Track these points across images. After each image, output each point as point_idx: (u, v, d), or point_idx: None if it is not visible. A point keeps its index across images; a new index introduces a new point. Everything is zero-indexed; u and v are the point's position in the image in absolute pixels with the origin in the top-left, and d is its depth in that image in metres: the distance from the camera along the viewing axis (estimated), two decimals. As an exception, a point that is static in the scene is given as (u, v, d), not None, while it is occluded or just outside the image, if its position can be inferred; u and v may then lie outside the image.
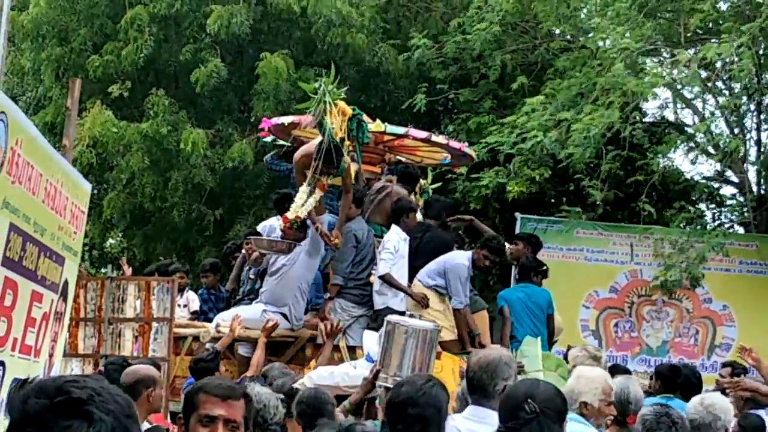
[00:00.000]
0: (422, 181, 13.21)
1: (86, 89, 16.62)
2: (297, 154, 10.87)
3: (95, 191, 14.35)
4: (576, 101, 14.60)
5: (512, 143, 14.72)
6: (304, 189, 10.41)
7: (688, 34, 14.94)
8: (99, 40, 18.86)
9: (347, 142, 11.01)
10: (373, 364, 7.45)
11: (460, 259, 10.81)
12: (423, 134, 12.15)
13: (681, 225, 16.16)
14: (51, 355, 6.40)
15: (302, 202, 10.34)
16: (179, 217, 18.67)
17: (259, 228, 12.34)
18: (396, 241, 10.66)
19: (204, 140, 17.59)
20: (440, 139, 12.44)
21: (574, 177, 15.93)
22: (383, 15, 18.86)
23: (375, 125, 11.57)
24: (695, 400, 6.41)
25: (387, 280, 10.48)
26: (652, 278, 15.69)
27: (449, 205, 12.68)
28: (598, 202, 15.61)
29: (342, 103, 11.21)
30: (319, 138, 10.33)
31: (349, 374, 8.45)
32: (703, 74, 15.31)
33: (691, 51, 14.71)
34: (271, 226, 12.18)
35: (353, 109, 11.29)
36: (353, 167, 11.16)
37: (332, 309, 10.63)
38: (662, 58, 14.67)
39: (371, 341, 8.50)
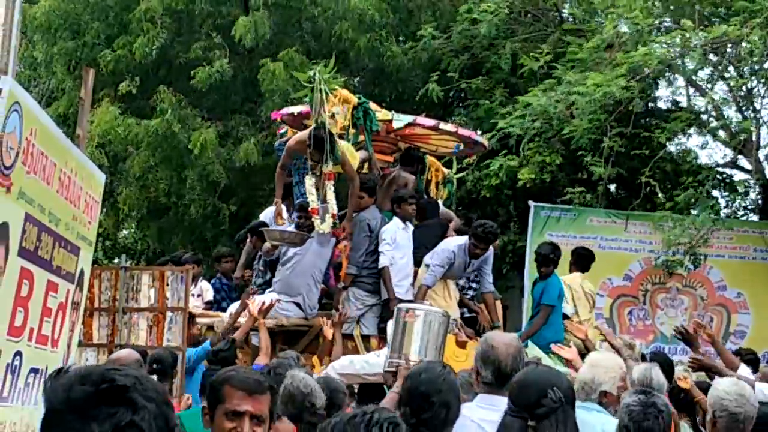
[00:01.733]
0: (446, 171, 13.20)
1: (98, 82, 16.63)
2: (291, 140, 10.92)
3: (108, 183, 14.40)
4: (578, 78, 14.60)
5: (524, 127, 14.71)
6: (309, 181, 10.46)
7: (701, 18, 14.88)
8: (112, 33, 18.86)
9: (352, 131, 11.05)
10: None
11: (450, 243, 10.85)
12: (431, 122, 12.15)
13: (689, 205, 16.11)
14: (68, 345, 6.43)
15: (315, 195, 10.41)
16: (196, 212, 18.71)
17: (262, 216, 12.43)
18: (393, 231, 10.68)
19: (214, 139, 17.58)
20: (449, 126, 12.45)
21: (584, 163, 15.93)
22: (394, 4, 18.79)
23: (382, 114, 11.58)
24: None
25: (382, 274, 10.53)
26: (655, 260, 15.66)
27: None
28: (601, 180, 15.57)
29: (345, 92, 11.24)
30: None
31: (369, 362, 8.48)
32: (714, 59, 15.25)
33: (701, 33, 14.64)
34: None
35: (359, 98, 11.32)
36: (362, 155, 11.18)
37: (346, 298, 10.65)
38: (672, 38, 14.55)
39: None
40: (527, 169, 15.46)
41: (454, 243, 10.80)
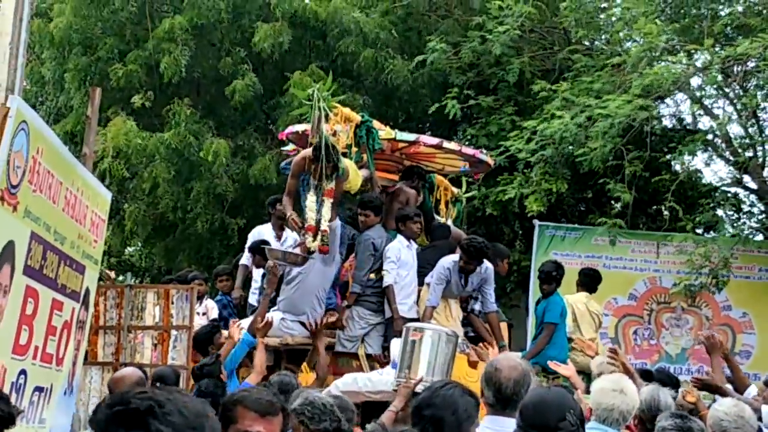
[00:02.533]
0: (455, 190, 13.20)
1: (108, 98, 16.65)
2: (296, 158, 10.93)
3: (115, 200, 14.40)
4: (593, 102, 14.58)
5: (531, 150, 14.71)
6: (311, 198, 10.46)
7: (711, 38, 14.88)
8: (126, 49, 18.88)
9: (354, 149, 11.06)
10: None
11: (445, 261, 10.80)
12: (434, 141, 12.11)
13: (700, 226, 16.09)
14: (74, 363, 6.43)
15: (315, 212, 10.40)
16: (202, 227, 18.71)
17: (252, 235, 12.48)
18: (397, 249, 10.66)
19: (226, 150, 17.61)
20: (452, 145, 12.39)
21: (592, 183, 15.90)
22: (402, 25, 18.80)
23: (385, 132, 11.58)
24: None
25: (387, 293, 10.52)
26: (672, 285, 15.62)
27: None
28: (621, 205, 15.57)
29: (347, 111, 11.26)
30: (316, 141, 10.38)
31: (372, 379, 8.48)
32: (719, 78, 15.24)
33: (717, 48, 14.64)
34: (260, 232, 12.30)
35: (362, 116, 11.33)
36: (364, 173, 11.18)
37: (349, 317, 10.64)
38: (683, 58, 14.55)
39: (397, 349, 8.55)
40: (535, 198, 15.39)
41: (448, 260, 10.77)
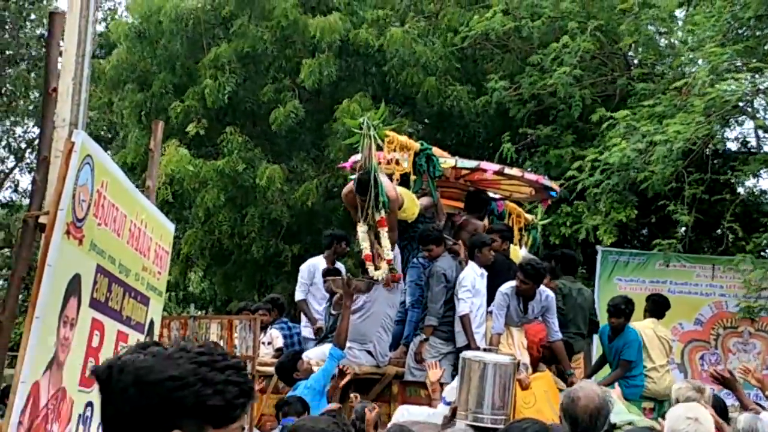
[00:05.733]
0: (530, 217, 13.12)
1: (165, 130, 16.83)
2: (344, 191, 10.93)
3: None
4: (655, 126, 14.44)
5: (596, 181, 14.60)
6: (362, 228, 10.44)
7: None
8: (179, 82, 19.13)
9: (413, 177, 11.02)
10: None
11: (503, 287, 10.71)
12: (495, 167, 12.07)
13: (762, 248, 15.86)
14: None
15: (367, 242, 10.40)
16: (258, 253, 18.80)
17: (303, 268, 12.46)
18: (472, 277, 10.59)
19: (281, 175, 17.71)
20: (513, 171, 12.34)
21: (655, 207, 15.74)
22: (458, 54, 18.82)
23: (446, 163, 11.52)
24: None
25: (463, 321, 10.44)
26: (738, 309, 15.41)
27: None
28: (684, 228, 15.39)
29: (403, 138, 11.24)
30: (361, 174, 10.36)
31: (428, 414, 8.42)
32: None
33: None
34: (314, 264, 12.26)
35: (420, 144, 11.30)
36: (425, 201, 11.14)
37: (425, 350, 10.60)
38: (746, 77, 14.36)
39: (449, 387, 8.52)
40: (605, 230, 15.27)
41: (506, 286, 10.67)
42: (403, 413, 8.30)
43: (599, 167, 14.59)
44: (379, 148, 10.69)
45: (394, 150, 10.98)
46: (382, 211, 10.33)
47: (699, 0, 16.29)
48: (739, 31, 15.59)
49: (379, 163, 10.80)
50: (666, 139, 13.72)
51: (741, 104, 14.50)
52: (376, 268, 10.39)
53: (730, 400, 9.75)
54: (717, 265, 15.73)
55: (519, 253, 12.18)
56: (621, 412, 7.81)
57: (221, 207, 18.42)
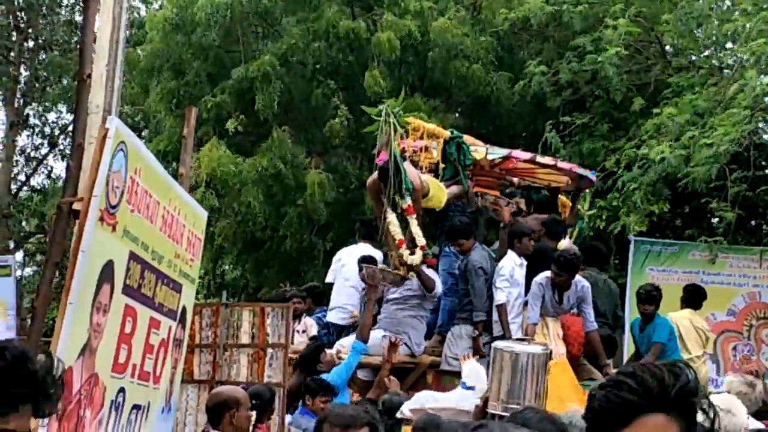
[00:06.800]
0: (577, 207, 13.06)
1: (199, 119, 16.83)
2: (368, 181, 10.89)
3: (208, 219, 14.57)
4: (696, 121, 14.28)
5: (633, 177, 14.50)
6: (391, 215, 10.41)
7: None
8: (213, 71, 19.14)
9: (442, 165, 10.97)
10: (474, 390, 7.41)
11: (538, 277, 10.63)
12: (527, 155, 12.00)
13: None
14: (171, 382, 6.45)
15: (398, 230, 10.37)
16: (291, 247, 18.82)
17: (341, 255, 12.39)
18: (510, 267, 10.54)
19: (326, 182, 17.67)
20: (546, 159, 12.26)
21: (692, 198, 15.62)
22: (497, 44, 18.72)
23: (477, 151, 11.46)
24: None
25: (499, 311, 10.39)
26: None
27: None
28: (723, 223, 15.28)
29: (431, 126, 11.18)
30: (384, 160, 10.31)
31: (437, 398, 8.38)
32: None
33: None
34: (349, 253, 12.19)
35: (451, 132, 11.24)
36: (455, 189, 11.09)
37: (458, 335, 10.57)
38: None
39: (468, 370, 8.49)
40: (635, 219, 15.18)
41: (541, 276, 10.59)
42: (428, 398, 8.27)
43: (636, 162, 14.47)
44: (405, 136, 10.65)
45: (421, 137, 10.92)
46: (408, 199, 10.29)
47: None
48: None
49: (404, 151, 10.76)
50: (713, 143, 13.53)
51: None
52: (412, 254, 10.37)
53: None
54: (751, 256, 15.59)
55: (564, 243, 12.10)
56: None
57: (260, 203, 18.37)
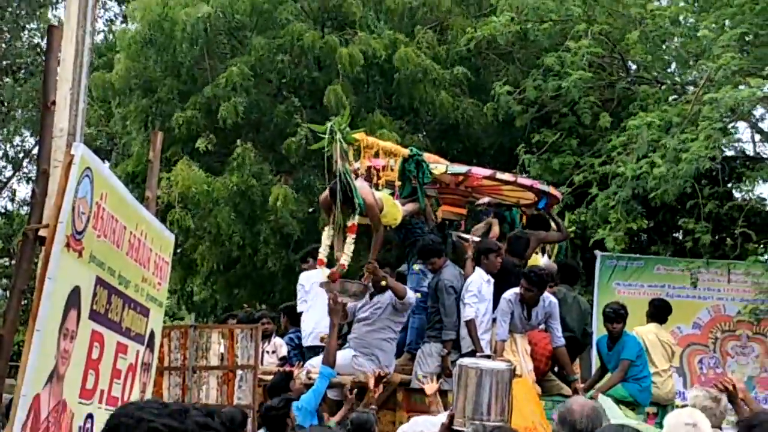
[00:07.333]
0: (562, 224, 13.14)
1: (168, 137, 16.76)
2: (321, 197, 10.93)
3: (178, 239, 14.50)
4: (664, 136, 14.40)
5: (612, 193, 14.62)
6: (327, 232, 10.44)
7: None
8: (184, 89, 19.08)
9: (398, 183, 11.01)
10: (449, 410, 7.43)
11: (506, 293, 10.68)
12: (486, 172, 12.01)
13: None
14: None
15: (326, 247, 10.40)
16: (274, 266, 18.76)
17: (302, 278, 12.38)
18: (479, 283, 10.58)
19: (291, 195, 17.64)
20: (505, 176, 12.29)
21: (658, 213, 15.74)
22: (464, 65, 18.80)
23: (437, 169, 11.50)
24: None
25: (468, 326, 10.42)
26: (737, 313, 15.43)
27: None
28: (702, 243, 15.42)
29: (390, 144, 11.23)
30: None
31: (433, 422, 8.42)
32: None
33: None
34: (308, 276, 12.17)
35: (410, 150, 11.28)
36: (411, 207, 11.12)
37: (428, 353, 10.58)
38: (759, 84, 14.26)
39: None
40: (614, 239, 15.26)
41: (509, 293, 10.65)
42: (426, 424, 8.29)
43: (610, 179, 14.59)
44: (357, 154, 10.67)
45: (377, 155, 10.95)
46: (356, 217, 10.32)
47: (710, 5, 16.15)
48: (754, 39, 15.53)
49: (368, 170, 10.78)
50: (692, 158, 13.63)
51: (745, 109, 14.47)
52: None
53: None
54: (715, 269, 15.73)
55: (540, 260, 12.18)
56: (617, 416, 7.82)
57: (232, 222, 18.31)
